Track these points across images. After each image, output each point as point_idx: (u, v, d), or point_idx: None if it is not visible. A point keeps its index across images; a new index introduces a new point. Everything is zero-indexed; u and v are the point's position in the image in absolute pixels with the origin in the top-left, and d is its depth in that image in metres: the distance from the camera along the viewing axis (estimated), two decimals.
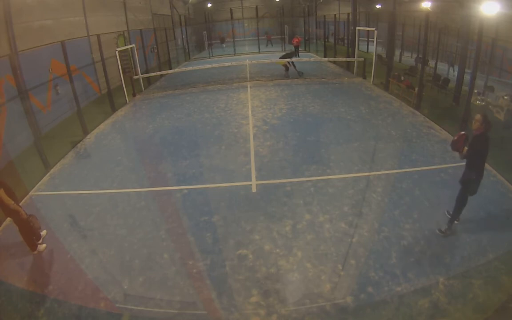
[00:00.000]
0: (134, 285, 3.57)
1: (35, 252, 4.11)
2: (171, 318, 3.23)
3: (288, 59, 13.23)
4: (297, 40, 19.17)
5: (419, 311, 3.04)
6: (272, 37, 27.51)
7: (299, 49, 19.75)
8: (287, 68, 13.44)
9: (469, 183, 3.91)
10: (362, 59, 12.89)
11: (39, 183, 5.97)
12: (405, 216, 4.35)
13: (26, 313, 3.33)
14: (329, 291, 3.33)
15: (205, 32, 27.10)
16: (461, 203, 4.00)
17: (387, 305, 3.14)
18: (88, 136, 8.18)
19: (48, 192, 5.72)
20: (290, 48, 21.47)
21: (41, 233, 4.36)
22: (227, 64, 15.32)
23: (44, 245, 4.22)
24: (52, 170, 6.42)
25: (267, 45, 25.70)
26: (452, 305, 3.07)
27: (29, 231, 4.08)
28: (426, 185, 5.05)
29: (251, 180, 5.52)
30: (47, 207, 5.20)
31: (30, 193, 5.62)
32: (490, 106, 8.66)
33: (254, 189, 5.27)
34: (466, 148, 3.87)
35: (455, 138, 3.95)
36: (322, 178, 5.44)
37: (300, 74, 13.36)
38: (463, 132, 3.93)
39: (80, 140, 7.91)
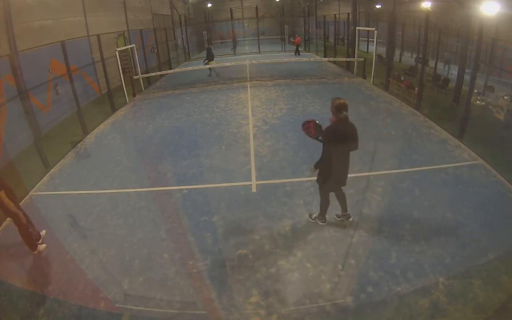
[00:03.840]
0: (134, 285, 3.57)
1: (35, 252, 4.11)
2: (171, 318, 3.22)
3: (209, 65, 14.46)
4: (298, 39, 20.70)
5: (419, 311, 3.04)
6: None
7: (299, 48, 20.50)
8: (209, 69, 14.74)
9: (322, 179, 3.83)
10: (362, 59, 12.90)
11: (39, 183, 5.97)
12: (405, 216, 4.35)
13: (26, 313, 3.32)
14: (329, 291, 3.32)
15: (205, 32, 27.09)
16: (322, 198, 4.07)
17: (387, 305, 3.13)
18: (88, 136, 8.18)
19: (48, 192, 5.72)
20: (291, 48, 21.79)
21: (41, 233, 4.37)
22: (227, 64, 15.32)
23: (44, 245, 4.21)
24: (52, 170, 6.42)
25: (232, 50, 24.25)
26: (452, 305, 3.07)
27: (29, 232, 4.08)
28: (426, 185, 5.04)
29: (251, 180, 5.52)
30: (47, 207, 5.20)
31: (30, 193, 5.62)
32: (490, 106, 8.67)
33: (254, 189, 5.27)
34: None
35: (304, 124, 3.82)
36: None
37: (217, 75, 14.72)
38: (311, 120, 3.78)
39: (80, 140, 7.91)
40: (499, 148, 6.18)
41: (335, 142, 3.59)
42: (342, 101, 3.49)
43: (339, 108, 3.47)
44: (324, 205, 4.14)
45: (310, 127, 3.78)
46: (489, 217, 4.23)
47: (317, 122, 3.76)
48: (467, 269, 3.44)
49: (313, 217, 4.31)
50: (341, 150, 3.65)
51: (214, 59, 14.88)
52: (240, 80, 13.57)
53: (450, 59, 13.55)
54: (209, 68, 14.65)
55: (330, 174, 3.76)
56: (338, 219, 4.29)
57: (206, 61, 14.36)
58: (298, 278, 3.51)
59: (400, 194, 4.83)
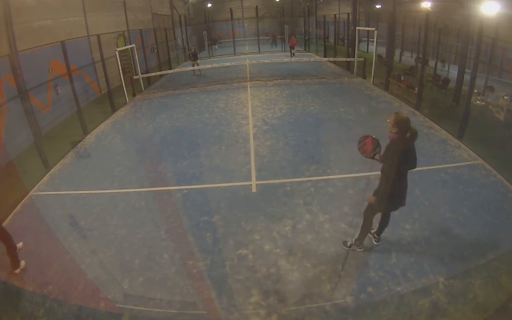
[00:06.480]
0: (134, 285, 3.57)
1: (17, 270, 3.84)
2: (171, 318, 3.22)
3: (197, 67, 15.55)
4: (292, 41, 20.98)
5: (419, 311, 3.04)
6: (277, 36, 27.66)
7: (293, 50, 20.96)
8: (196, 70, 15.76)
9: (383, 200, 3.36)
10: (362, 59, 12.90)
11: (39, 183, 5.97)
12: (405, 216, 4.34)
13: (26, 313, 3.32)
14: (329, 291, 3.32)
15: (205, 32, 27.11)
16: (365, 219, 3.63)
17: (387, 305, 3.13)
18: (88, 136, 8.18)
19: (48, 192, 5.72)
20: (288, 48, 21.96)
21: (18, 245, 4.06)
22: (227, 64, 15.34)
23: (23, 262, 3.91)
24: (52, 170, 6.42)
25: (272, 46, 26.14)
26: (452, 305, 3.07)
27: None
28: (426, 185, 5.04)
29: (251, 180, 5.52)
30: (47, 207, 5.20)
31: (30, 193, 5.62)
32: (490, 106, 8.67)
33: (254, 189, 5.26)
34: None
35: (360, 141, 3.47)
36: (322, 178, 5.43)
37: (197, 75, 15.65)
38: (369, 136, 3.44)
39: (80, 140, 7.90)
40: (499, 148, 6.18)
41: (404, 163, 3.18)
42: (406, 115, 3.14)
43: (405, 125, 3.09)
44: (367, 230, 3.75)
45: (366, 144, 3.44)
46: (489, 217, 4.23)
47: (374, 137, 3.43)
48: (467, 269, 3.44)
49: (348, 245, 3.84)
50: (407, 170, 3.32)
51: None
52: (240, 80, 13.57)
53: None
54: (193, 68, 15.50)
55: (394, 196, 3.38)
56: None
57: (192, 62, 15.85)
58: (298, 278, 3.50)
59: None
